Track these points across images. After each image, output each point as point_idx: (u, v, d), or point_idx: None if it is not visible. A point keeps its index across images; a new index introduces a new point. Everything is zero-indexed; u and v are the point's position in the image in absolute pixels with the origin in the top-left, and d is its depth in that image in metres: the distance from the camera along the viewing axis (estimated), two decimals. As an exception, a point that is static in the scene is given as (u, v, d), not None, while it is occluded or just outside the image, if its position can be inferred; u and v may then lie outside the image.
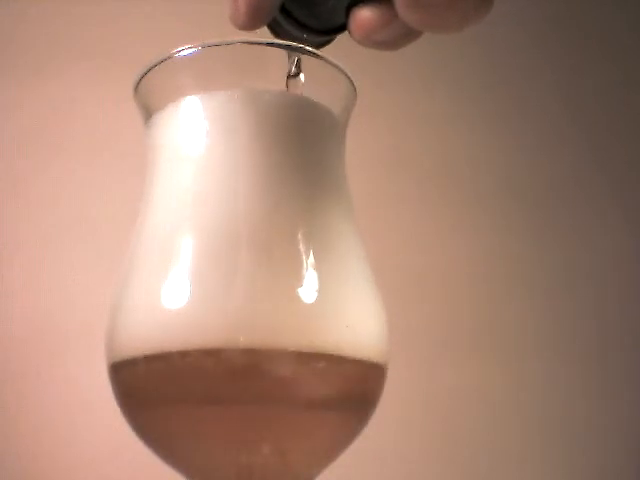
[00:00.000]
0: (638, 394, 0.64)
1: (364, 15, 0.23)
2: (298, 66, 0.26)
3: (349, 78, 0.28)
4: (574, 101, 0.69)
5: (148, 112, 0.28)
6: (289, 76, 0.26)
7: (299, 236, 0.25)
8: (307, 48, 0.26)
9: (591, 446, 0.62)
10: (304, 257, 0.25)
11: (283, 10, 0.25)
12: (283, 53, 0.26)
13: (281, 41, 0.26)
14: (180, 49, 0.26)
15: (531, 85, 0.68)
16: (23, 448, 0.51)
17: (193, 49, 0.26)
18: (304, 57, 0.27)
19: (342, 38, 0.26)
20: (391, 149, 0.63)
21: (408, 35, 0.24)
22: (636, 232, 0.67)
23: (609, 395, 0.63)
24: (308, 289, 0.24)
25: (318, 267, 0.25)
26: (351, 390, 0.25)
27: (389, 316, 0.28)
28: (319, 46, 0.26)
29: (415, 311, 0.60)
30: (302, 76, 0.26)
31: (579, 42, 0.71)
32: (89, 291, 0.53)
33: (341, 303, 0.25)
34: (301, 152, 0.27)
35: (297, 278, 0.24)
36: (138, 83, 0.28)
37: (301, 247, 0.25)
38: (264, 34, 0.26)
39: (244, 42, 0.26)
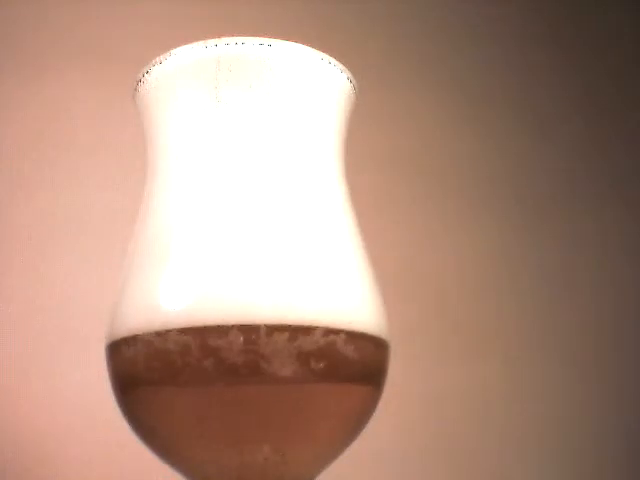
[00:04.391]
0: (637, 395, 0.64)
1: None
2: None
3: (349, 78, 0.28)
4: (575, 103, 0.69)
5: (148, 112, 0.28)
6: None
7: (299, 226, 0.25)
8: (308, 48, 0.26)
9: (591, 447, 0.62)
10: (305, 245, 0.25)
11: None
12: (285, 54, 0.26)
13: (283, 41, 0.26)
14: (180, 49, 0.26)
15: (533, 87, 0.68)
16: (23, 448, 0.51)
17: (193, 49, 0.26)
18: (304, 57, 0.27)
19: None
20: (391, 149, 0.63)
21: None
22: (636, 232, 0.67)
23: (608, 395, 0.63)
24: (307, 273, 0.25)
25: (320, 255, 0.25)
26: (357, 366, 0.25)
27: (389, 315, 0.28)
28: None
29: (415, 310, 0.60)
30: None
31: (580, 43, 0.71)
32: (89, 291, 0.53)
33: (342, 284, 0.25)
34: (298, 149, 0.27)
35: (297, 265, 0.24)
36: (138, 83, 0.28)
37: (300, 235, 0.25)
38: (266, 35, 0.26)
39: (244, 42, 0.26)
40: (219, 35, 0.26)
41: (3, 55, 0.56)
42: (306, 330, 0.23)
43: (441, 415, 0.60)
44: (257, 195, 0.25)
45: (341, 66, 0.28)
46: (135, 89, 0.28)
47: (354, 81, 0.29)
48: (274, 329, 0.23)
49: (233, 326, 0.23)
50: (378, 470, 0.57)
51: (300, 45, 0.26)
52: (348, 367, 0.25)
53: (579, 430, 0.62)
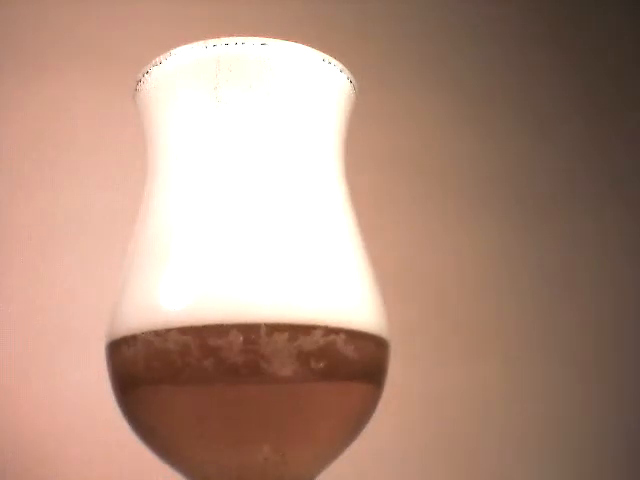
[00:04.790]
0: (637, 395, 0.64)
1: None
2: None
3: (349, 78, 0.28)
4: (575, 103, 0.69)
5: (148, 112, 0.28)
6: None
7: (299, 226, 0.25)
8: (308, 48, 0.26)
9: (591, 447, 0.62)
10: (305, 245, 0.25)
11: None
12: (285, 54, 0.26)
13: (283, 41, 0.26)
14: (180, 49, 0.26)
15: (533, 87, 0.68)
16: (23, 448, 0.51)
17: (193, 49, 0.26)
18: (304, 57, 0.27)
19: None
20: (391, 149, 0.63)
21: None
22: (636, 232, 0.67)
23: (608, 395, 0.63)
24: (307, 273, 0.25)
25: (320, 255, 0.25)
26: (358, 365, 0.25)
27: (389, 315, 0.28)
28: None
29: (415, 310, 0.60)
30: None
31: (580, 43, 0.71)
32: (89, 290, 0.53)
33: (342, 283, 0.25)
34: (298, 149, 0.27)
35: (297, 264, 0.25)
36: (138, 83, 0.28)
37: (300, 235, 0.25)
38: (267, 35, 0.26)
39: (244, 42, 0.26)
40: (219, 35, 0.26)
41: (3, 55, 0.56)
42: (306, 330, 0.23)
43: (441, 415, 0.60)
44: (257, 195, 0.25)
45: (341, 66, 0.28)
46: (135, 89, 0.28)
47: (354, 81, 0.29)
48: (274, 329, 0.23)
49: (233, 326, 0.23)
50: (378, 470, 0.57)
51: (300, 45, 0.26)
52: (348, 367, 0.25)
53: (579, 430, 0.62)
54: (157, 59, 0.27)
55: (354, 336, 0.25)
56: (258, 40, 0.26)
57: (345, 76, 0.28)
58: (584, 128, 0.69)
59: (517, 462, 0.61)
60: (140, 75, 0.28)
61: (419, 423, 0.59)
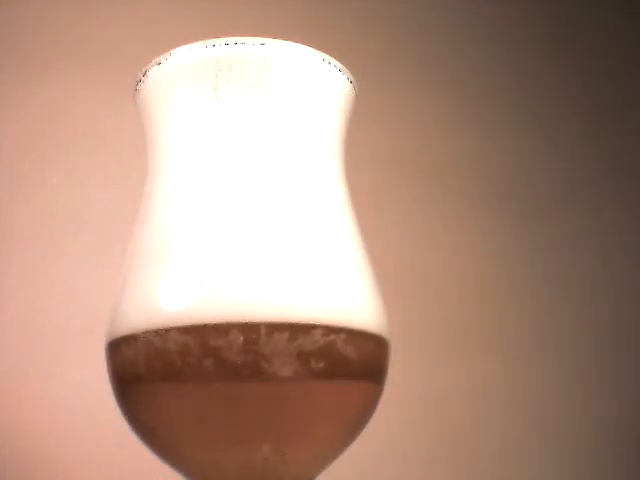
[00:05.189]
0: (637, 395, 0.64)
1: None
2: None
3: (349, 78, 0.28)
4: (575, 103, 0.69)
5: (148, 112, 0.28)
6: None
7: (299, 226, 0.25)
8: (308, 48, 0.26)
9: (591, 447, 0.62)
10: (305, 245, 0.25)
11: None
12: (285, 54, 0.26)
13: (283, 41, 0.26)
14: (179, 49, 0.26)
15: (533, 87, 0.68)
16: (23, 448, 0.51)
17: (192, 49, 0.26)
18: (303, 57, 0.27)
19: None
20: (391, 149, 0.63)
21: None
22: (636, 232, 0.67)
23: (608, 395, 0.63)
24: (307, 273, 0.25)
25: (320, 254, 0.25)
26: (358, 365, 0.25)
27: (389, 315, 0.28)
28: None
29: (415, 310, 0.60)
30: None
31: (580, 43, 0.71)
32: (89, 290, 0.53)
33: (342, 283, 0.25)
34: (298, 149, 0.27)
35: (298, 264, 0.25)
36: (138, 83, 0.28)
37: (300, 235, 0.25)
38: (267, 34, 0.26)
39: (243, 42, 0.26)
40: (219, 35, 0.26)
41: (3, 55, 0.56)
42: (306, 329, 0.23)
43: (441, 415, 0.60)
44: (257, 195, 0.25)
45: (341, 66, 0.28)
46: (135, 89, 0.28)
47: (354, 81, 0.29)
48: (274, 328, 0.23)
49: (233, 325, 0.23)
50: (378, 470, 0.57)
51: (300, 45, 0.26)
52: (348, 366, 0.25)
53: (579, 430, 0.62)
54: (157, 59, 0.27)
55: (354, 336, 0.25)
56: (258, 40, 0.26)
57: (345, 76, 0.28)
58: (584, 128, 0.69)
59: (517, 462, 0.61)
60: (140, 75, 0.28)
61: (419, 423, 0.59)
